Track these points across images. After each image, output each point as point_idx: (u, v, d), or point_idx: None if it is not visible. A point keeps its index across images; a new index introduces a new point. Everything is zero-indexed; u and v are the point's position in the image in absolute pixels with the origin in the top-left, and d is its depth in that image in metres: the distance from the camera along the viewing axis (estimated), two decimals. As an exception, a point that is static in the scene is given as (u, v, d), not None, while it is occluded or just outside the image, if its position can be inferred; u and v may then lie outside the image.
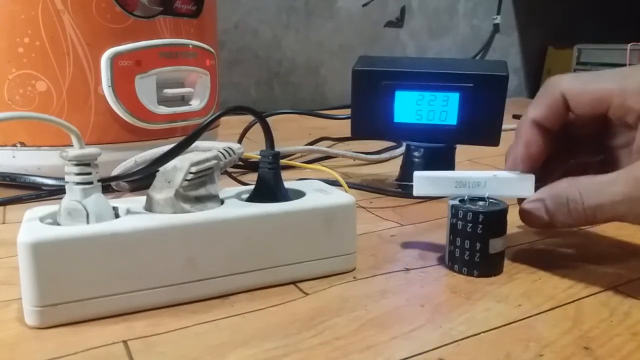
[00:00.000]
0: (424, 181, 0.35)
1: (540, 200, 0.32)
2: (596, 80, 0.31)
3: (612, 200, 0.29)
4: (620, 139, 0.33)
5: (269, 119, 0.37)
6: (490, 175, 0.35)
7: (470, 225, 0.33)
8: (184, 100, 0.61)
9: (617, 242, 0.40)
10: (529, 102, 0.35)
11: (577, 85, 0.32)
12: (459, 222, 0.33)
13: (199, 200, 0.31)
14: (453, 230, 0.34)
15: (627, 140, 0.32)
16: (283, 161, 0.39)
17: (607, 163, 0.34)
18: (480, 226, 0.33)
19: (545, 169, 0.35)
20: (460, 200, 0.34)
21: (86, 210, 0.28)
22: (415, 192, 0.36)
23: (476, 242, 0.33)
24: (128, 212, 0.30)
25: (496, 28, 1.66)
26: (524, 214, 0.34)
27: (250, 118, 0.41)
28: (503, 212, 0.33)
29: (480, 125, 0.50)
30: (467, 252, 0.33)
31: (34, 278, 0.26)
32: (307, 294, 0.31)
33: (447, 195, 0.36)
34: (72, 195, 0.29)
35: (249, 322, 0.28)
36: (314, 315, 0.29)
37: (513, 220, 0.44)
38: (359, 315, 0.29)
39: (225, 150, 0.34)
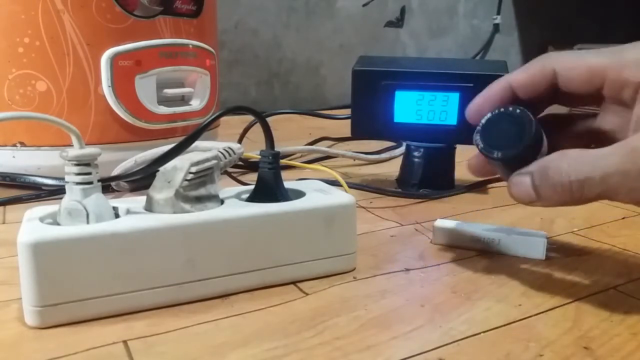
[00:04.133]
0: (442, 231, 0.39)
1: (529, 173, 0.29)
2: (591, 54, 0.30)
3: (603, 172, 0.26)
4: (614, 120, 0.31)
5: (269, 119, 0.37)
6: (505, 233, 0.37)
7: None
8: (184, 100, 0.61)
9: (617, 242, 0.40)
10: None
11: (570, 59, 0.30)
12: None
13: (199, 200, 0.31)
14: None
15: (621, 120, 0.30)
16: (283, 161, 0.39)
17: (598, 146, 0.32)
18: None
19: None
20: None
21: (86, 210, 0.28)
22: (433, 240, 0.40)
23: None
24: (128, 212, 0.30)
25: (496, 28, 1.66)
26: (512, 188, 0.30)
27: (250, 118, 0.41)
28: None
29: (480, 125, 0.50)
30: None
31: (34, 278, 0.26)
32: (307, 294, 0.31)
33: (462, 247, 0.38)
34: (72, 195, 0.29)
35: (249, 322, 0.28)
36: (314, 315, 0.29)
37: (513, 221, 0.44)
38: (359, 315, 0.29)
39: (225, 150, 0.34)
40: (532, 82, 0.31)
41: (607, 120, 0.31)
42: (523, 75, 0.31)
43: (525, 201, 0.30)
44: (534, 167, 0.29)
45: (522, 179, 0.29)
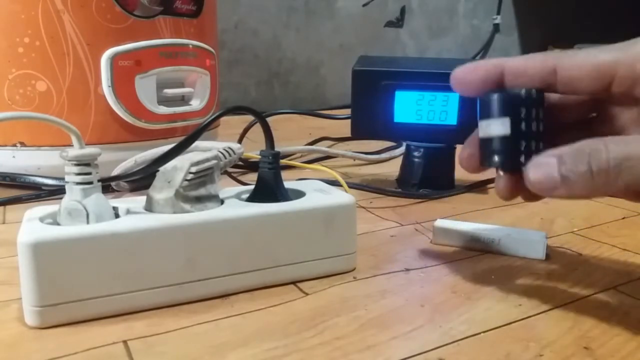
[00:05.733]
0: (442, 231, 0.39)
1: (555, 156, 0.26)
2: (597, 51, 0.28)
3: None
4: (622, 117, 0.29)
5: (269, 119, 0.37)
6: (505, 233, 0.37)
7: None
8: (184, 100, 0.61)
9: (617, 242, 0.40)
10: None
11: (575, 58, 0.28)
12: None
13: (199, 200, 0.31)
14: None
15: (630, 117, 0.28)
16: (283, 161, 0.39)
17: None
18: None
19: None
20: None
21: (86, 210, 0.28)
22: (433, 240, 0.40)
23: None
24: (128, 212, 0.30)
25: (496, 28, 1.66)
26: (533, 171, 0.27)
27: (250, 118, 0.41)
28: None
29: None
30: None
31: (34, 278, 0.26)
32: (307, 294, 0.31)
33: (462, 247, 0.38)
34: (72, 195, 0.29)
35: (249, 322, 0.28)
36: (314, 315, 0.29)
37: (513, 221, 0.44)
38: (359, 315, 0.29)
39: (225, 150, 0.34)
40: (526, 73, 0.29)
41: (612, 118, 0.29)
42: (520, 62, 0.29)
43: (545, 187, 0.26)
44: (564, 149, 0.26)
45: (548, 160, 0.26)
